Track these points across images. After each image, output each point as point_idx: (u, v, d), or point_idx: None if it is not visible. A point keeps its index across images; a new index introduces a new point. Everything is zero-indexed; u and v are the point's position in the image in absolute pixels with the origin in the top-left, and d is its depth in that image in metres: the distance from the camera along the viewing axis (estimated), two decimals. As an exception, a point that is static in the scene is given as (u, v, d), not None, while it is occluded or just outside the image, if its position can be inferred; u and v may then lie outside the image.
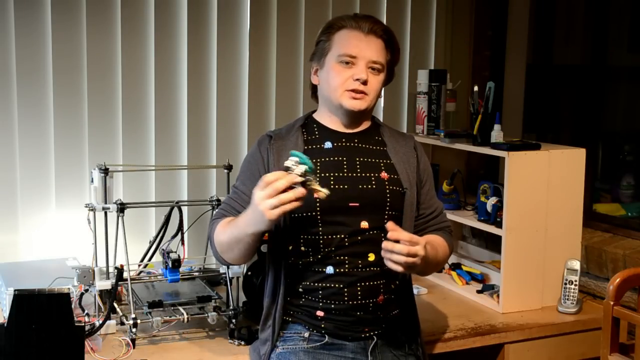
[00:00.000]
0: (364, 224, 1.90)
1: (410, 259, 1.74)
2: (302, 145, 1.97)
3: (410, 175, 2.00)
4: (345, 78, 1.93)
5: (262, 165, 1.96)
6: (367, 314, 1.90)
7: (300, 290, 1.92)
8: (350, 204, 1.91)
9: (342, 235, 1.88)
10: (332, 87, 1.95)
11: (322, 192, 1.72)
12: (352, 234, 1.89)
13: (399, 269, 1.76)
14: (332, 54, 1.95)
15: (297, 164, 1.69)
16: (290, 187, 1.68)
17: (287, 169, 1.69)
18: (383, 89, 2.04)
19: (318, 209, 1.89)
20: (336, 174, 1.93)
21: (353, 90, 1.92)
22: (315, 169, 1.74)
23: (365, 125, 2.04)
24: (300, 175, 1.69)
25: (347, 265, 1.88)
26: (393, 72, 2.05)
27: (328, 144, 1.99)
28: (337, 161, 1.96)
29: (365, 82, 1.92)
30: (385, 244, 1.75)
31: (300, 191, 1.68)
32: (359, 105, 1.94)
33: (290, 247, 1.92)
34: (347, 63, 1.93)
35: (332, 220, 1.90)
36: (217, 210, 2.04)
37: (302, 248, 1.91)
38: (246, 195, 1.94)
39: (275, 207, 1.67)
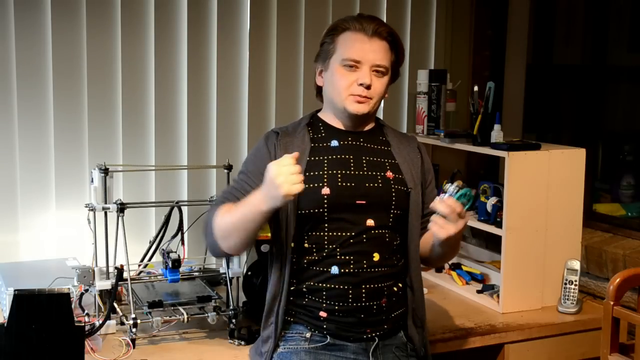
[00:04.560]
0: (370, 222, 1.90)
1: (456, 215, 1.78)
2: (309, 143, 1.98)
3: (414, 175, 2.01)
4: (350, 82, 1.93)
5: (270, 160, 1.95)
6: (370, 316, 1.90)
7: (304, 290, 1.92)
8: (357, 202, 1.91)
9: (348, 233, 1.89)
10: (336, 91, 1.95)
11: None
12: (358, 232, 1.89)
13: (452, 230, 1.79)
14: (336, 57, 1.95)
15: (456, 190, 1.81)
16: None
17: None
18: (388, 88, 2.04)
19: (326, 206, 1.89)
20: (343, 172, 1.94)
21: (357, 95, 1.93)
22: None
23: (370, 125, 2.05)
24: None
25: (352, 265, 1.88)
26: (398, 72, 2.05)
27: (334, 142, 1.99)
28: (344, 159, 1.96)
29: (369, 87, 1.92)
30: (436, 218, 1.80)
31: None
32: (362, 109, 1.94)
33: (293, 245, 1.91)
34: (351, 67, 1.93)
35: (339, 217, 1.90)
36: (216, 198, 2.00)
37: (306, 245, 1.91)
38: (250, 187, 1.93)
39: (295, 183, 1.71)
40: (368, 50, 1.93)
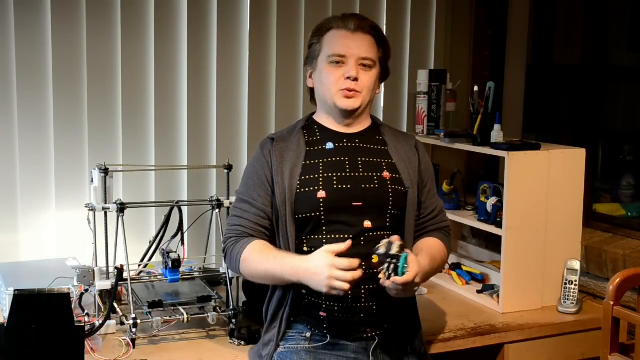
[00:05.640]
0: (367, 224, 1.90)
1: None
2: (304, 147, 1.98)
3: (411, 175, 2.01)
4: (337, 78, 1.95)
5: (269, 169, 1.96)
6: (370, 316, 1.90)
7: (304, 291, 1.92)
8: (354, 204, 1.91)
9: (346, 236, 1.88)
10: (326, 88, 1.97)
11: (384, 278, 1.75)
12: (356, 234, 1.89)
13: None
14: (323, 56, 1.97)
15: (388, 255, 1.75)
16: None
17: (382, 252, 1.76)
18: (382, 86, 2.05)
19: (322, 208, 1.89)
20: (339, 174, 1.94)
21: (346, 89, 1.94)
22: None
23: (366, 124, 2.05)
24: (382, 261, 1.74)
25: None
26: (387, 68, 2.06)
27: (330, 145, 1.99)
28: (340, 161, 1.96)
29: (356, 79, 1.93)
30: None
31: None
32: (352, 104, 1.96)
33: (294, 249, 1.92)
34: (337, 63, 1.95)
35: (336, 220, 1.90)
36: (231, 224, 1.99)
37: (305, 248, 1.91)
38: (258, 202, 1.95)
39: (339, 288, 1.73)
40: (352, 45, 1.95)
